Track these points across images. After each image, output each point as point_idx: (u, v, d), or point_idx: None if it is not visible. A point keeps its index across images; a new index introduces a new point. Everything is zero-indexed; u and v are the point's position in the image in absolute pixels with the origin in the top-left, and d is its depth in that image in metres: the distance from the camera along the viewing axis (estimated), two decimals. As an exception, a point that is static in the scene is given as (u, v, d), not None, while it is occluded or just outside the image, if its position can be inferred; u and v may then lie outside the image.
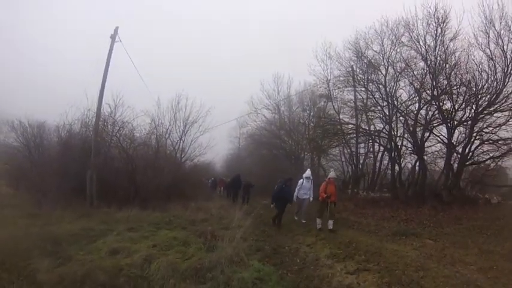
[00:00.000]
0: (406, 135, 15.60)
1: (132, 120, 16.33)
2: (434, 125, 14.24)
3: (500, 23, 11.80)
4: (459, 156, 13.22)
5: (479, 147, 12.95)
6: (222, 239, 6.99)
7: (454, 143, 13.39)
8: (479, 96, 12.44)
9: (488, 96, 12.26)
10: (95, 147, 13.59)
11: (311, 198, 11.48)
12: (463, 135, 13.29)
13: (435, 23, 13.33)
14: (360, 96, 18.09)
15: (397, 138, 16.01)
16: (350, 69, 17.55)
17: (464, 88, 12.70)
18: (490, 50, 12.06)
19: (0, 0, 50.97)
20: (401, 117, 15.67)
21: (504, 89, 11.96)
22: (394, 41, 15.37)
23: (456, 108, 13.02)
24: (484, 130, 12.71)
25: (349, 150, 19.78)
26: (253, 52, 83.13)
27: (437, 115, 14.01)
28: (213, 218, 10.83)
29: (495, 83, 12.07)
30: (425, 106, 14.62)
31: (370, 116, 17.53)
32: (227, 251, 6.16)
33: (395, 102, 15.70)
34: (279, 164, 25.83)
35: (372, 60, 16.38)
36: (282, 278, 5.52)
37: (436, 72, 13.39)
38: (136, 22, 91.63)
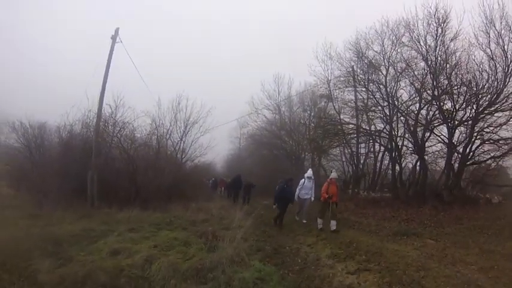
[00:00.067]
0: (406, 135, 15.59)
1: (133, 121, 16.35)
2: (435, 125, 14.22)
3: (501, 22, 11.79)
4: (460, 156, 13.20)
5: (480, 147, 12.92)
6: (223, 239, 6.99)
7: (455, 143, 13.37)
8: (480, 96, 12.42)
9: (489, 96, 12.24)
10: (96, 148, 13.60)
11: (312, 198, 11.47)
12: (464, 135, 13.27)
13: (435, 23, 13.32)
14: (360, 97, 18.10)
15: (398, 138, 16.00)
16: (351, 69, 17.53)
17: (465, 88, 12.69)
18: (491, 50, 12.05)
19: (0, 0, 51.09)
20: (402, 117, 15.65)
21: (505, 89, 11.94)
22: (395, 41, 15.38)
23: (457, 108, 13.01)
24: (484, 130, 12.68)
25: (349, 150, 19.76)
26: (253, 52, 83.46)
27: (437, 115, 14.00)
28: (214, 218, 10.84)
29: (496, 82, 12.05)
30: (426, 106, 14.61)
31: (370, 116, 17.51)
32: (228, 251, 6.17)
33: (396, 102, 15.69)
34: (279, 164, 25.82)
35: (373, 61, 16.38)
36: (283, 278, 5.53)
37: (437, 72, 13.37)
38: (136, 22, 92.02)
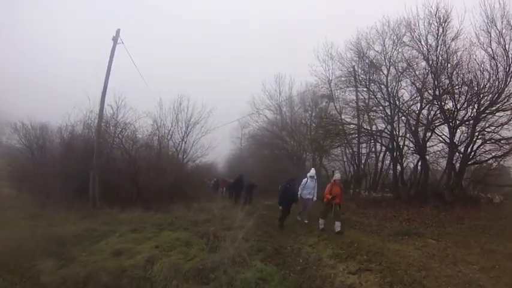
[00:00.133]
0: (408, 135, 15.56)
1: (134, 122, 16.35)
2: (436, 124, 14.20)
3: (502, 22, 11.76)
4: (461, 155, 13.17)
5: (481, 147, 12.88)
6: (225, 239, 7.01)
7: (456, 143, 13.34)
8: (481, 96, 12.38)
9: (490, 95, 12.21)
10: (98, 149, 13.65)
11: (314, 198, 11.44)
12: (465, 134, 13.23)
13: (437, 22, 13.30)
14: (361, 97, 18.11)
15: (399, 138, 15.98)
16: (352, 69, 17.54)
17: (466, 87, 12.66)
18: (492, 49, 12.01)
19: (0, 0, 51.23)
20: (403, 117, 15.62)
21: (506, 88, 11.90)
22: (396, 41, 15.42)
23: (458, 107, 12.98)
24: (486, 129, 12.64)
25: (351, 150, 19.77)
26: (253, 52, 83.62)
27: (439, 115, 13.98)
28: (215, 218, 10.83)
29: (497, 82, 12.02)
30: (427, 106, 14.60)
31: (372, 116, 17.51)
32: (229, 251, 6.18)
33: (397, 102, 15.67)
34: (280, 164, 25.86)
35: (374, 60, 16.39)
36: (284, 278, 5.55)
37: (438, 71, 13.36)
38: (136, 22, 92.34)
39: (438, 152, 14.70)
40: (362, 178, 19.05)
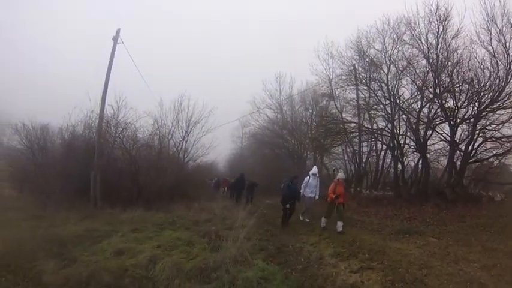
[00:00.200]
0: (408, 133, 15.56)
1: (135, 122, 16.35)
2: (437, 122, 14.21)
3: (502, 20, 11.75)
4: (462, 154, 13.16)
5: (482, 145, 12.87)
6: (226, 239, 7.01)
7: (457, 141, 13.33)
8: (482, 94, 12.37)
9: (491, 93, 12.19)
10: (98, 149, 13.65)
11: (317, 197, 11.42)
12: (466, 132, 13.23)
13: (437, 20, 13.30)
14: (362, 95, 18.15)
15: (400, 137, 15.98)
16: (352, 68, 17.56)
17: (467, 86, 12.64)
18: (492, 47, 12.00)
19: (0, 0, 51.26)
20: (403, 116, 15.61)
21: (507, 86, 11.88)
22: (396, 39, 15.41)
23: (459, 105, 12.96)
24: (487, 127, 12.63)
25: (351, 148, 19.75)
26: (253, 52, 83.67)
27: (439, 113, 13.96)
28: (217, 218, 10.83)
29: (497, 80, 12.00)
30: (428, 104, 14.60)
31: (372, 115, 17.50)
32: (231, 250, 6.19)
33: (398, 101, 15.66)
34: (281, 163, 25.91)
35: (374, 59, 16.39)
36: (286, 277, 5.56)
37: (438, 70, 13.35)
38: (136, 22, 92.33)
39: (439, 150, 14.71)
40: (363, 177, 19.04)
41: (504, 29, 11.70)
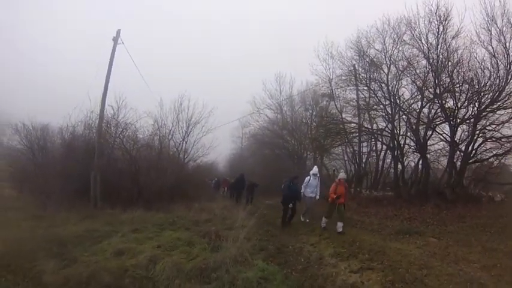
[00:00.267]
0: (408, 133, 15.55)
1: (135, 122, 16.35)
2: (437, 123, 14.21)
3: (502, 20, 11.75)
4: (462, 154, 13.16)
5: (482, 145, 12.87)
6: (226, 239, 7.01)
7: (457, 141, 13.33)
8: (482, 94, 12.37)
9: (491, 93, 12.19)
10: (98, 149, 13.65)
11: (317, 197, 11.40)
12: (466, 133, 13.23)
13: (437, 21, 13.31)
14: (362, 95, 18.15)
15: (400, 137, 15.97)
16: (352, 68, 17.57)
17: (467, 86, 12.64)
18: (492, 47, 12.00)
19: (0, 0, 51.30)
20: (403, 116, 15.61)
21: (507, 87, 11.88)
22: (396, 39, 15.42)
23: (459, 106, 12.96)
24: (487, 128, 12.63)
25: (351, 149, 19.73)
26: (253, 52, 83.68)
27: (439, 113, 13.96)
28: (217, 218, 10.83)
29: (498, 80, 12.01)
30: (428, 104, 14.60)
31: (372, 115, 17.50)
32: (231, 251, 6.19)
33: (398, 101, 15.66)
34: (281, 163, 25.91)
35: (374, 59, 16.41)
36: (286, 277, 5.56)
37: (439, 70, 13.35)
38: (136, 22, 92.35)
39: (439, 151, 14.70)
40: (363, 177, 19.04)
41: (504, 29, 11.72)
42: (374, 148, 19.18)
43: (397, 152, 15.91)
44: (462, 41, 12.90)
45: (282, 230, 10.05)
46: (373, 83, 16.66)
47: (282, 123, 27.51)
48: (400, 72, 15.47)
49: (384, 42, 15.96)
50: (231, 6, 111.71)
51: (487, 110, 12.36)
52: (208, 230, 8.13)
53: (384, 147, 17.69)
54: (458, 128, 13.37)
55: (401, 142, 15.87)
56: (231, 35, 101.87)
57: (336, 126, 18.23)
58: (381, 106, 16.54)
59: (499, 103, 12.12)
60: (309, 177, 11.58)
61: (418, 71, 14.55)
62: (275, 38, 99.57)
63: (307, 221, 11.18)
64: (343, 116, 18.77)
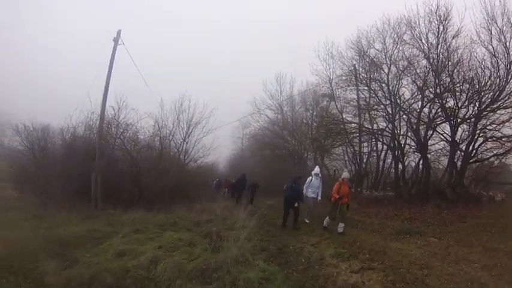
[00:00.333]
0: (409, 133, 15.55)
1: (136, 123, 16.41)
2: (438, 123, 14.20)
3: (502, 19, 11.75)
4: (463, 154, 13.16)
5: (482, 145, 12.87)
6: (227, 239, 7.02)
7: (458, 141, 13.32)
8: (482, 94, 12.37)
9: (491, 93, 12.19)
10: (99, 150, 13.67)
11: (319, 198, 11.37)
12: (467, 132, 13.22)
13: (437, 20, 13.32)
14: (362, 95, 18.12)
15: (401, 137, 15.96)
16: (352, 68, 17.57)
17: (467, 85, 12.63)
18: (493, 47, 12.00)
19: (0, 0, 51.36)
20: (404, 116, 15.61)
21: (507, 86, 11.89)
22: (396, 39, 15.42)
23: (459, 105, 12.95)
24: (487, 127, 12.63)
25: (352, 149, 19.70)
26: (253, 52, 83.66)
27: (440, 113, 13.96)
28: (218, 218, 10.81)
29: (498, 79, 12.01)
30: (428, 104, 14.58)
31: (373, 115, 17.47)
32: (232, 251, 6.20)
33: (398, 101, 15.65)
34: (282, 164, 25.89)
35: (374, 59, 16.41)
36: (287, 277, 5.56)
37: (439, 70, 13.36)
38: (136, 22, 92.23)
39: (440, 151, 14.72)
40: (364, 177, 19.02)
41: (504, 28, 11.72)
42: (374, 148, 19.20)
43: (398, 152, 15.91)
44: (462, 41, 12.93)
45: (282, 230, 10.05)
46: (373, 83, 16.67)
47: (283, 123, 27.52)
48: (400, 72, 15.48)
49: (384, 42, 16.00)
50: (231, 6, 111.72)
51: (488, 109, 12.36)
52: (209, 231, 8.13)
53: (385, 147, 17.69)
54: (459, 128, 13.36)
55: (402, 142, 15.87)
56: (231, 35, 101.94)
57: (337, 126, 18.23)
58: (382, 106, 16.55)
59: (499, 102, 12.12)
60: (310, 177, 11.56)
61: (418, 71, 14.58)
62: (275, 38, 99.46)
63: (307, 221, 11.16)
64: (344, 116, 18.78)
